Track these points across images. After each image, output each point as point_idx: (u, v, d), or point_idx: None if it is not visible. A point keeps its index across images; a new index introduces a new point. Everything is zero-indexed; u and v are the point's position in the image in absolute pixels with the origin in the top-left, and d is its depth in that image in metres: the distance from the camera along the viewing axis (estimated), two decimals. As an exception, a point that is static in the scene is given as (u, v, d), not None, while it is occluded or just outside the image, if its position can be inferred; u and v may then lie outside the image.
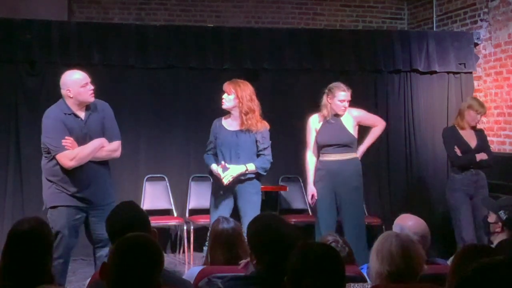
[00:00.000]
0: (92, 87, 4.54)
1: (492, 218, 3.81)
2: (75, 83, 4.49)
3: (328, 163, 5.40)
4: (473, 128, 5.95)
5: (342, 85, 5.43)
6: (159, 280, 2.17)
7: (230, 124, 5.07)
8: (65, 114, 4.52)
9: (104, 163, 4.67)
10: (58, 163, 4.51)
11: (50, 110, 4.63)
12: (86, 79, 4.54)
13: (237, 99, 4.97)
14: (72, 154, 4.44)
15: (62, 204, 4.52)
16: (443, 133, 6.05)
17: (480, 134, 5.99)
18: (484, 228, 5.69)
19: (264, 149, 5.04)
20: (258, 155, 5.05)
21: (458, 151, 5.80)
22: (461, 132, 5.87)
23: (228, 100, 5.01)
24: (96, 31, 6.78)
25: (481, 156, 5.78)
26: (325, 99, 5.46)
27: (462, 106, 6.02)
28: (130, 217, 2.95)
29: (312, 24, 8.75)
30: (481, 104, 6.08)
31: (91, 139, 4.53)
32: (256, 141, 5.02)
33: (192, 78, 6.91)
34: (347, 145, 5.43)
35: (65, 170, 4.52)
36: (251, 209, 4.97)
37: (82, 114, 4.56)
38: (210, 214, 5.13)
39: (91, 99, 4.55)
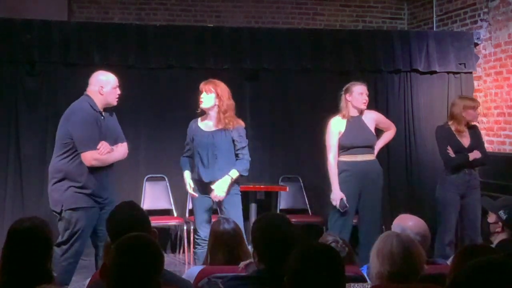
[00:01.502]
0: (119, 92, 4.70)
1: (492, 218, 3.80)
2: (109, 82, 4.65)
3: (356, 164, 5.36)
4: (468, 125, 5.91)
5: (357, 82, 5.56)
6: (159, 280, 2.17)
7: (206, 125, 5.07)
8: (95, 111, 4.61)
9: (113, 164, 4.76)
10: (81, 163, 4.51)
11: (81, 104, 4.64)
12: (117, 82, 4.71)
13: (217, 97, 4.97)
14: (98, 155, 4.51)
15: (83, 205, 4.55)
16: (436, 132, 5.99)
17: (474, 131, 5.92)
18: (474, 228, 5.73)
19: (242, 148, 5.02)
20: (236, 155, 5.03)
21: (451, 152, 5.74)
22: (456, 132, 5.83)
23: (207, 99, 4.99)
24: (96, 31, 6.78)
25: (474, 155, 5.73)
26: (343, 100, 5.46)
27: (455, 110, 5.82)
28: (130, 217, 2.94)
29: (312, 24, 8.75)
30: (473, 99, 6.08)
31: (110, 137, 4.64)
32: (233, 140, 5.00)
33: (192, 78, 6.90)
34: (371, 146, 5.45)
35: (90, 171, 4.54)
36: (233, 209, 5.00)
37: (103, 114, 4.70)
38: (194, 215, 5.17)
39: (115, 102, 4.71)
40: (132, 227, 2.58)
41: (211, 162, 4.95)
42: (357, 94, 5.42)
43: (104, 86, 4.62)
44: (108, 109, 4.76)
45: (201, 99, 5.02)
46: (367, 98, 5.46)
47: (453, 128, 5.81)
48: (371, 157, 5.44)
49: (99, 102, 4.63)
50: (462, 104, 5.80)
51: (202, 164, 4.98)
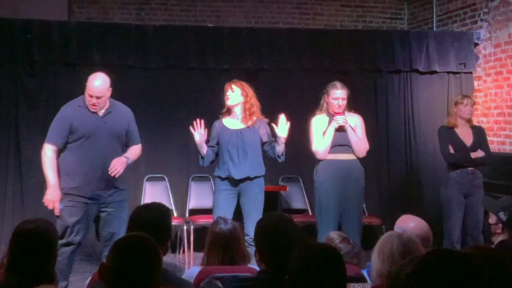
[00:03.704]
0: (94, 101, 4.60)
1: (492, 219, 3.80)
2: (87, 87, 4.63)
3: (338, 162, 5.36)
4: (471, 125, 5.93)
5: (338, 84, 5.46)
6: (159, 280, 2.17)
7: (232, 123, 5.15)
8: (79, 106, 4.67)
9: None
10: (65, 156, 4.65)
11: (67, 104, 4.79)
12: (94, 93, 4.58)
13: (244, 93, 5.11)
14: (43, 152, 4.67)
15: (71, 196, 4.62)
16: (438, 131, 6.02)
17: (478, 131, 5.94)
18: (477, 227, 5.74)
19: (272, 141, 5.18)
20: (265, 151, 5.18)
21: (451, 149, 5.79)
22: (457, 130, 5.85)
23: (234, 97, 5.11)
24: (96, 31, 6.77)
25: (476, 154, 5.75)
26: (322, 100, 5.49)
27: (450, 108, 6.05)
28: (138, 219, 2.96)
29: (312, 24, 8.74)
30: (464, 95, 6.13)
31: (107, 134, 4.66)
32: (261, 138, 5.14)
33: (192, 78, 6.90)
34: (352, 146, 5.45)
35: (70, 164, 4.62)
36: (256, 209, 5.05)
37: (100, 111, 4.67)
38: (214, 213, 5.12)
39: (91, 109, 4.65)
40: (138, 230, 2.57)
41: (241, 159, 5.03)
42: (331, 99, 5.40)
43: (86, 87, 4.64)
44: (123, 108, 4.84)
45: (228, 96, 5.10)
46: (341, 103, 5.36)
47: (449, 124, 5.87)
48: (352, 156, 5.42)
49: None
50: (454, 101, 5.99)
51: (232, 161, 5.04)
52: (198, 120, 5.06)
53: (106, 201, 4.66)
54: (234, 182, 5.06)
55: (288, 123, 5.03)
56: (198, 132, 5.04)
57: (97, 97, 4.59)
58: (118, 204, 4.68)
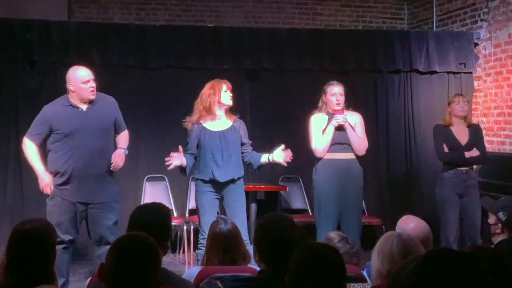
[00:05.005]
0: (93, 84, 4.66)
1: (492, 219, 3.80)
2: (77, 79, 4.65)
3: (337, 162, 5.36)
4: (468, 124, 5.93)
5: (334, 82, 5.51)
6: (159, 280, 2.16)
7: (213, 125, 5.05)
8: (64, 106, 4.68)
9: (107, 163, 4.68)
10: (52, 155, 4.66)
11: (51, 103, 4.81)
12: (88, 76, 4.66)
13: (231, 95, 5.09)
14: (24, 145, 4.69)
15: (60, 195, 4.63)
16: (433, 130, 6.02)
17: (474, 130, 5.92)
18: (474, 228, 5.74)
19: (250, 144, 5.14)
20: (243, 152, 5.11)
21: (445, 148, 5.79)
22: (452, 128, 5.84)
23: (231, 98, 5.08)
24: (96, 31, 6.78)
25: (471, 154, 5.74)
26: (321, 101, 5.51)
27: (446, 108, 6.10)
28: (137, 219, 2.95)
29: (312, 24, 8.75)
30: (458, 94, 6.18)
31: (93, 129, 4.63)
32: (241, 137, 5.07)
33: (192, 78, 6.90)
34: (351, 145, 5.44)
35: (57, 163, 4.62)
36: (240, 209, 5.01)
37: (84, 107, 4.68)
38: (199, 216, 5.08)
39: (91, 96, 4.68)
40: (138, 230, 2.57)
41: (225, 162, 4.96)
42: (329, 96, 5.42)
43: (72, 83, 4.66)
44: (105, 99, 4.82)
45: (231, 98, 5.05)
46: (340, 98, 5.40)
47: (445, 123, 5.88)
48: (351, 155, 5.42)
49: (73, 98, 4.69)
50: (448, 100, 6.05)
51: (216, 164, 4.96)
52: (168, 157, 5.02)
53: (93, 200, 4.62)
54: (218, 185, 4.98)
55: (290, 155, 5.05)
56: (175, 158, 4.99)
57: (93, 79, 4.67)
58: (106, 204, 4.66)
